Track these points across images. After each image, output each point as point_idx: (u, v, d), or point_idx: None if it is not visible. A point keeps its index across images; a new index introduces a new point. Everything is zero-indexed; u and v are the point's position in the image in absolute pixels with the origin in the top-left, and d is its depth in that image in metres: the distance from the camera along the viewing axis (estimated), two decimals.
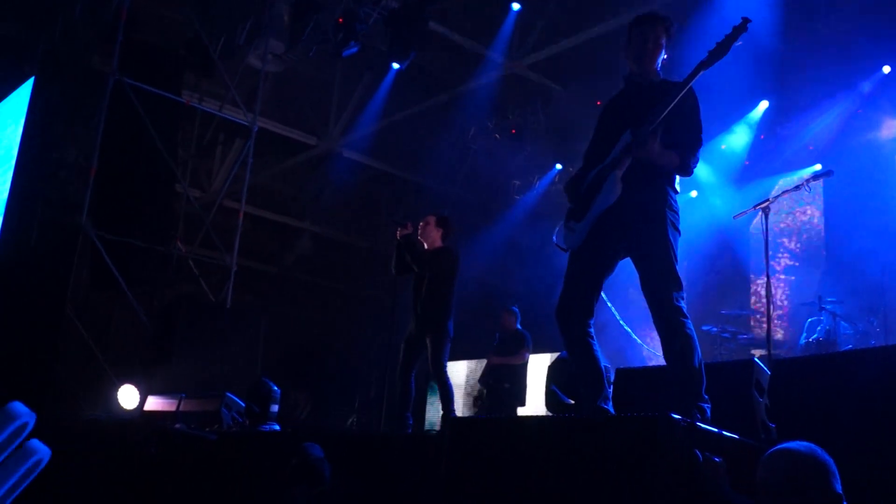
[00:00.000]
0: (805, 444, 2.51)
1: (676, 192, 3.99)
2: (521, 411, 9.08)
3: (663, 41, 4.06)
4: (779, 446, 2.55)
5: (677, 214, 3.92)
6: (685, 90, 3.77)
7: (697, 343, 3.74)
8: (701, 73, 3.76)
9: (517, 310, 9.54)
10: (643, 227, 3.85)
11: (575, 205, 4.12)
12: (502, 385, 9.13)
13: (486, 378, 9.45)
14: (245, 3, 10.36)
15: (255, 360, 9.85)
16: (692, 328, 3.76)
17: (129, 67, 9.56)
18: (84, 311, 9.56)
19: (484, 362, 9.81)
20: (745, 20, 3.73)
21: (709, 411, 3.63)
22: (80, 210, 9.03)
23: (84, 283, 9.98)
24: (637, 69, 4.10)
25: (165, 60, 10.46)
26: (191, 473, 5.82)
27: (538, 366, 9.75)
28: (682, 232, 3.95)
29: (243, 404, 6.86)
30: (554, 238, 4.18)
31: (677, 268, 3.83)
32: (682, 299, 3.79)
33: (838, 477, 2.46)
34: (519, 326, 9.45)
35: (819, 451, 2.49)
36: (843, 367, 3.71)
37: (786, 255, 10.87)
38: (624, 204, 3.86)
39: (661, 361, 3.90)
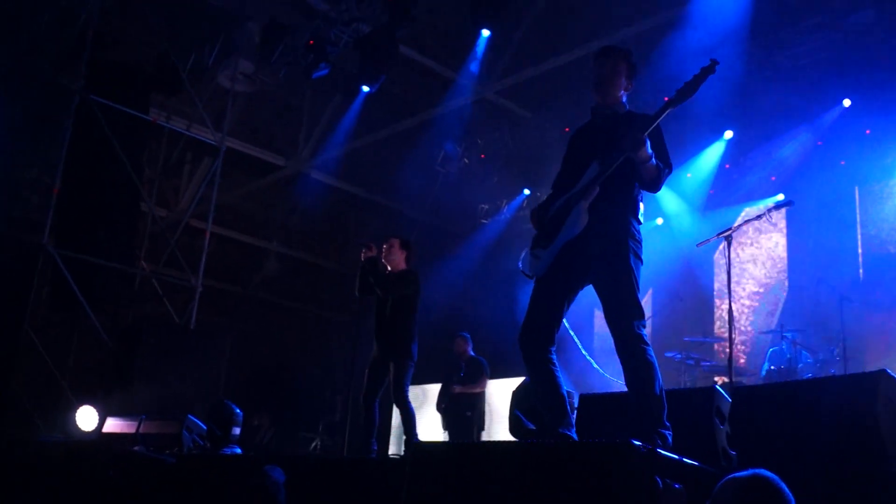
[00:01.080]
0: (760, 472, 2.53)
1: (640, 222, 4.06)
2: (483, 436, 9.13)
3: (623, 72, 4.16)
4: (731, 475, 2.56)
5: (640, 244, 3.99)
6: (659, 118, 3.84)
7: (658, 370, 3.78)
8: (670, 109, 3.84)
9: (468, 336, 9.64)
10: (606, 258, 3.91)
11: (541, 232, 4.16)
12: (464, 413, 9.25)
13: (443, 405, 9.51)
14: (215, 22, 10.33)
15: (217, 381, 9.76)
16: (653, 355, 3.80)
17: (96, 85, 9.47)
18: (44, 330, 9.41)
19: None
20: (714, 62, 3.83)
21: (670, 438, 3.65)
22: (42, 228, 8.90)
23: (45, 302, 9.82)
24: (600, 100, 4.22)
25: (133, 78, 10.39)
26: (150, 497, 5.72)
27: (502, 391, 9.75)
28: (645, 260, 4.01)
29: (205, 427, 6.77)
30: (520, 265, 4.22)
31: (639, 296, 3.88)
32: (644, 327, 3.85)
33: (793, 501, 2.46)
34: (472, 352, 9.59)
35: (773, 479, 2.50)
36: (803, 396, 3.75)
37: (751, 280, 11.01)
38: (588, 234, 3.93)
39: (625, 388, 3.93)
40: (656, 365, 3.79)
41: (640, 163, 3.86)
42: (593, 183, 3.96)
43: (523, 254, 4.23)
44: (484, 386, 9.40)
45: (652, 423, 3.66)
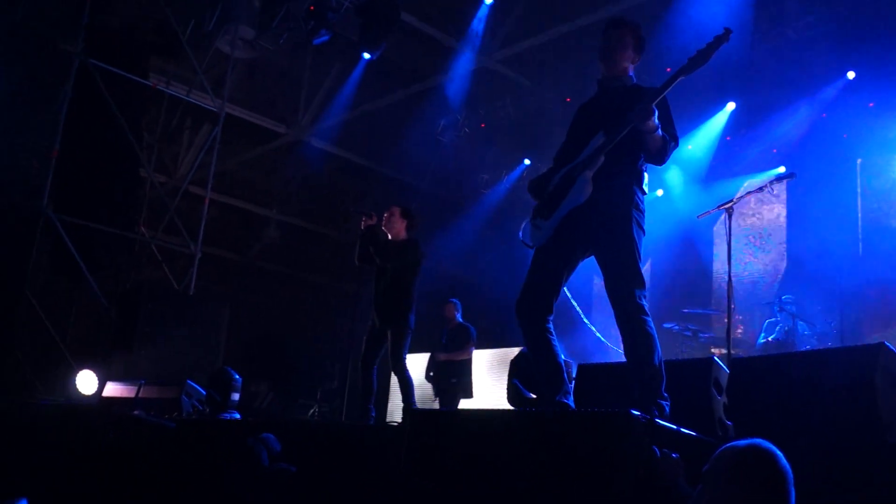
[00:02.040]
0: (758, 441, 2.54)
1: (644, 192, 4.05)
2: (467, 403, 9.09)
3: (630, 44, 4.14)
4: (730, 444, 2.58)
5: (643, 214, 3.99)
6: (669, 88, 3.82)
7: (657, 341, 3.79)
8: (680, 78, 3.82)
9: (458, 302, 9.54)
10: (609, 226, 3.90)
11: (542, 203, 4.15)
12: (449, 381, 9.13)
13: (430, 373, 9.47)
14: None
15: (217, 348, 9.78)
16: (653, 326, 3.81)
17: (96, 49, 9.39)
18: (44, 295, 9.40)
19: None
20: (728, 31, 3.80)
21: (668, 408, 3.67)
22: (41, 194, 8.87)
23: (45, 268, 9.82)
24: (607, 73, 4.22)
25: (132, 43, 10.30)
26: (148, 460, 5.76)
27: (502, 360, 9.79)
28: (646, 231, 4.00)
29: (204, 392, 6.81)
30: (520, 234, 4.22)
31: (640, 266, 3.88)
32: (644, 297, 3.85)
33: (792, 479, 2.48)
34: (460, 318, 9.46)
35: (770, 448, 2.51)
36: (801, 367, 3.77)
37: (751, 251, 11.01)
38: (592, 204, 3.91)
39: (623, 358, 3.95)
40: (656, 336, 3.80)
41: (646, 133, 3.83)
42: (598, 152, 3.95)
43: (524, 224, 4.22)
44: (469, 353, 9.26)
45: (650, 393, 3.68)
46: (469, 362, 9.33)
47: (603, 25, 4.28)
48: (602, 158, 3.94)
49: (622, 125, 3.86)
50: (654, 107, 3.76)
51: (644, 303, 3.84)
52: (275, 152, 13.82)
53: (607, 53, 4.18)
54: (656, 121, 3.81)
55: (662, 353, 3.87)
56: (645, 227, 4.00)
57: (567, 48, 10.18)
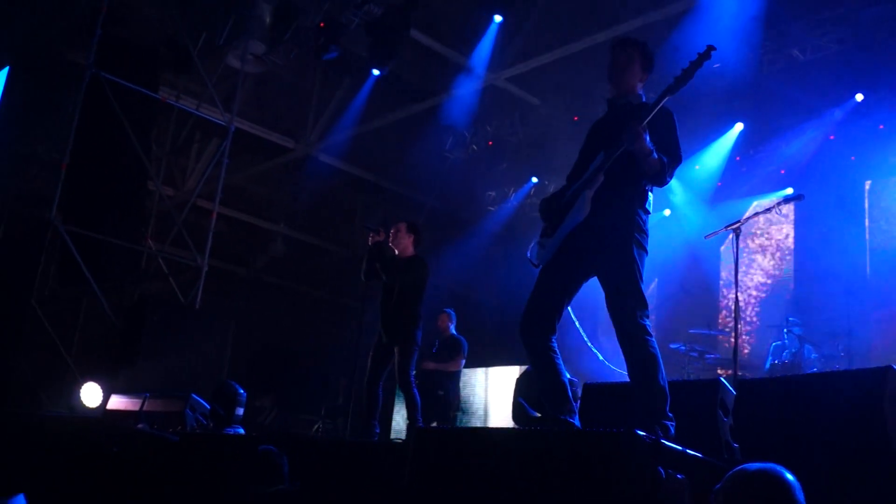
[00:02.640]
0: (768, 465, 2.53)
1: (647, 212, 4.03)
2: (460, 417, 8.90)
3: (638, 62, 4.15)
4: (742, 466, 2.56)
5: (646, 235, 3.97)
6: (657, 108, 3.83)
7: (661, 361, 3.78)
8: (667, 97, 3.84)
9: (453, 312, 9.37)
10: (609, 247, 3.90)
11: (548, 222, 4.16)
12: (436, 392, 8.81)
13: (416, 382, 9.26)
14: (227, 2, 10.30)
15: (221, 362, 9.77)
16: (656, 346, 3.80)
17: (106, 62, 9.45)
18: (50, 306, 9.42)
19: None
20: (710, 48, 3.84)
21: (672, 429, 3.65)
22: (50, 204, 8.91)
23: (52, 279, 9.84)
24: (615, 91, 4.25)
25: (143, 56, 10.36)
26: (152, 474, 5.74)
27: (507, 378, 9.75)
28: (651, 251, 4.00)
29: (208, 406, 6.79)
30: (528, 254, 4.23)
31: (643, 287, 3.87)
32: (647, 318, 3.84)
33: (802, 500, 2.46)
34: (454, 331, 9.27)
35: (780, 471, 2.50)
36: (808, 390, 3.75)
37: (759, 272, 10.98)
38: (591, 223, 3.93)
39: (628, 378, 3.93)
40: (659, 356, 3.78)
41: (638, 156, 3.83)
42: (597, 172, 3.96)
43: (532, 243, 4.24)
44: (458, 366, 9.05)
45: (655, 413, 3.66)
46: (458, 375, 9.15)
47: (610, 44, 4.31)
48: (601, 178, 3.94)
49: (616, 146, 3.87)
50: (643, 129, 3.75)
51: (646, 322, 3.83)
52: (283, 167, 13.86)
53: (615, 72, 4.20)
54: (649, 144, 3.79)
55: (668, 373, 3.85)
56: (648, 248, 3.98)
57: (575, 67, 10.21)
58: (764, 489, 2.45)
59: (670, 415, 3.70)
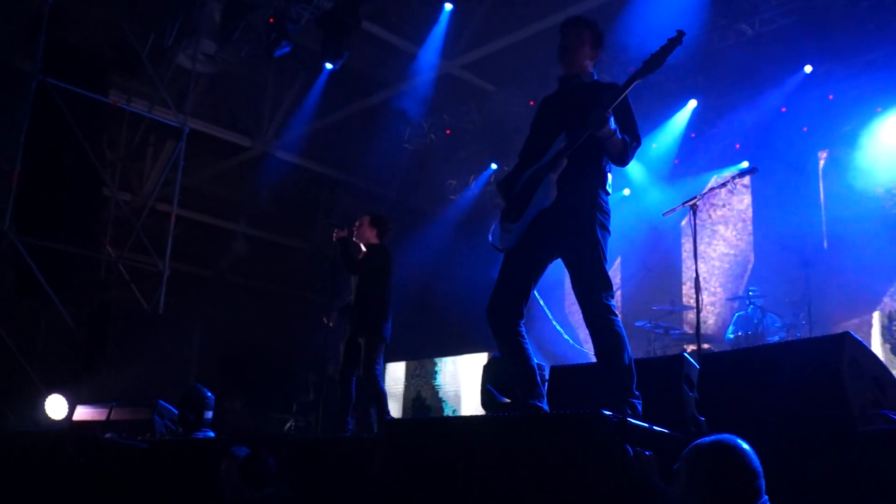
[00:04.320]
0: (724, 437, 2.59)
1: (608, 192, 4.07)
2: None
3: (587, 41, 4.17)
4: (697, 441, 2.62)
5: (607, 215, 4.00)
6: (624, 93, 3.84)
7: (626, 340, 3.82)
8: (637, 81, 3.85)
9: None
10: (573, 229, 3.92)
11: (510, 205, 4.16)
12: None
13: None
14: (174, 2, 10.15)
15: (188, 366, 9.69)
16: (621, 326, 3.84)
17: (53, 68, 9.29)
18: (9, 318, 9.26)
19: (419, 363, 9.72)
20: (680, 33, 3.84)
21: (640, 407, 3.69)
22: (3, 215, 8.75)
23: (9, 290, 9.67)
24: (566, 70, 4.24)
25: (91, 60, 10.20)
26: (122, 483, 5.68)
27: (476, 365, 9.80)
28: (613, 230, 4.03)
29: (176, 412, 6.73)
30: (490, 238, 4.23)
31: (606, 267, 3.91)
32: (611, 297, 3.88)
33: (760, 472, 2.52)
34: None
35: (733, 441, 2.56)
36: (768, 360, 3.79)
37: (722, 242, 11.10)
38: (557, 207, 3.93)
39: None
40: (625, 335, 3.82)
41: (604, 139, 3.86)
42: (560, 155, 3.97)
43: (493, 227, 4.23)
44: None
45: (622, 392, 3.70)
46: None
47: (560, 25, 4.32)
48: (565, 161, 3.96)
49: (580, 131, 3.88)
50: (609, 113, 3.78)
51: (611, 302, 3.86)
52: (240, 166, 13.73)
53: (565, 52, 4.21)
54: (612, 125, 3.83)
55: (634, 351, 3.89)
56: (611, 228, 4.02)
57: (529, 52, 10.22)
58: (719, 459, 2.52)
59: (637, 393, 3.74)
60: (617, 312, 3.89)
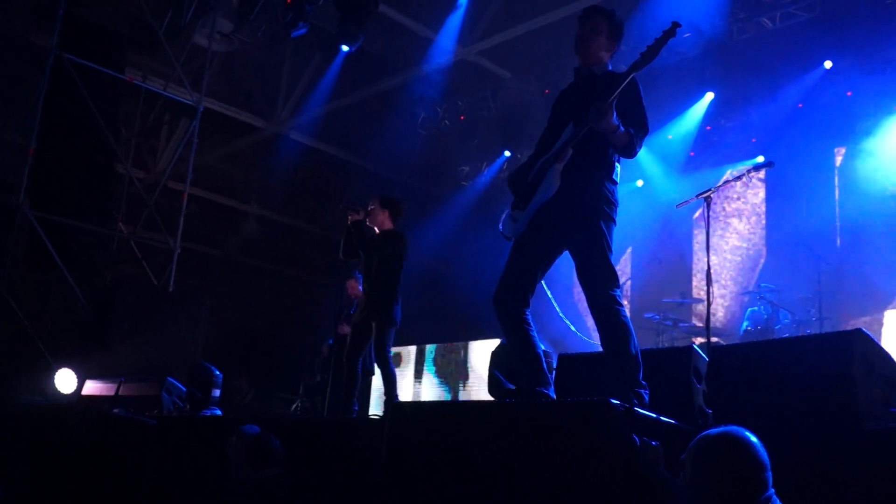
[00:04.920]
0: (731, 428, 2.58)
1: (615, 183, 4.05)
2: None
3: (603, 32, 4.15)
4: (704, 432, 2.62)
5: (614, 206, 3.99)
6: (627, 81, 3.82)
7: (632, 330, 3.81)
8: (634, 73, 3.83)
9: (359, 274, 8.67)
10: (578, 220, 3.92)
11: (519, 194, 4.16)
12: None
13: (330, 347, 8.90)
14: None
15: (196, 344, 9.72)
16: (627, 316, 3.83)
17: (70, 43, 9.29)
18: (20, 292, 9.31)
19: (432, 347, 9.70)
20: (675, 24, 3.82)
21: (646, 396, 3.69)
22: (18, 190, 8.78)
23: (21, 264, 9.72)
24: (582, 61, 4.22)
25: (108, 37, 10.20)
26: (130, 459, 5.72)
27: (485, 351, 9.80)
28: (624, 221, 4.04)
29: (184, 389, 6.76)
30: (500, 227, 4.23)
31: (611, 258, 3.90)
32: (618, 288, 3.88)
33: (767, 465, 2.51)
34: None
35: (741, 432, 2.55)
36: (778, 355, 3.78)
37: (735, 235, 11.05)
38: (561, 196, 3.94)
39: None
40: (630, 325, 3.82)
41: (605, 132, 3.84)
42: (566, 145, 3.96)
43: (504, 215, 4.23)
44: None
45: (628, 382, 3.69)
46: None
47: (578, 15, 4.29)
48: (570, 151, 3.94)
49: (583, 123, 3.87)
50: (609, 107, 3.75)
51: (617, 293, 3.86)
52: (254, 146, 13.74)
53: (581, 42, 4.17)
54: (615, 120, 3.79)
55: (643, 342, 3.88)
56: (617, 218, 4.00)
57: (546, 40, 10.17)
58: (726, 451, 2.51)
59: (643, 383, 3.73)
60: (623, 303, 3.88)
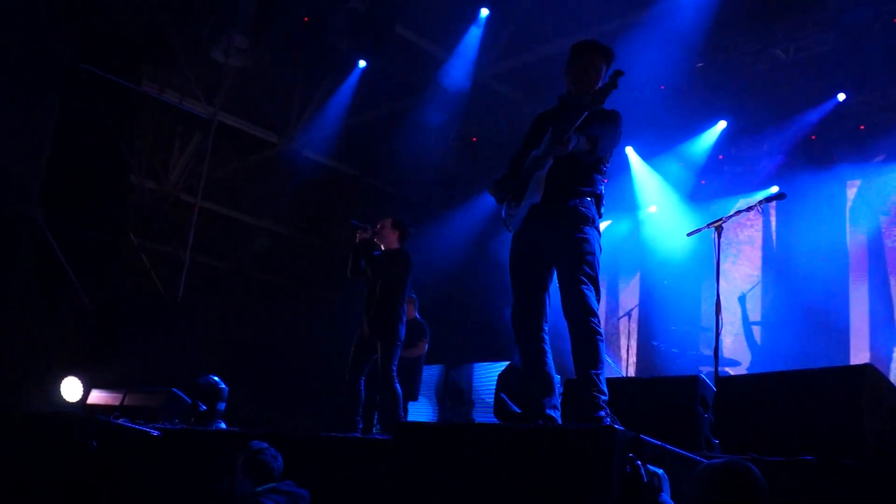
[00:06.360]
0: (734, 459, 2.59)
1: (599, 194, 4.10)
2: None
3: (601, 69, 4.21)
4: (707, 462, 2.63)
5: (591, 219, 4.05)
6: (575, 125, 3.83)
7: (604, 359, 3.84)
8: (584, 116, 3.85)
9: (416, 296, 8.88)
10: (561, 235, 3.96)
11: (511, 192, 4.28)
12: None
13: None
14: None
15: (203, 356, 9.73)
16: (602, 343, 3.86)
17: (88, 54, 9.38)
18: (29, 300, 9.34)
19: (439, 367, 9.63)
20: (618, 72, 3.78)
21: (608, 420, 3.70)
22: (30, 198, 8.83)
23: (30, 273, 9.76)
24: (575, 91, 4.26)
25: (125, 49, 10.28)
26: (134, 469, 5.72)
27: (492, 374, 9.76)
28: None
29: (189, 401, 6.76)
30: (503, 213, 4.36)
31: (591, 282, 3.94)
32: (595, 317, 3.90)
33: (768, 496, 2.51)
34: (418, 315, 8.81)
35: (745, 466, 2.55)
36: (787, 387, 3.77)
37: (747, 263, 11.00)
38: (545, 208, 4.03)
39: (613, 373, 3.96)
40: (603, 354, 3.85)
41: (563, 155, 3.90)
42: (545, 156, 4.05)
43: (502, 208, 4.37)
44: (421, 350, 8.63)
45: (595, 392, 3.72)
46: (420, 361, 8.75)
47: (572, 47, 4.36)
48: (551, 159, 4.02)
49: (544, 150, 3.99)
50: (567, 140, 3.79)
51: (593, 321, 3.87)
52: (266, 161, 13.79)
53: (579, 76, 4.24)
54: (573, 149, 3.83)
55: (650, 371, 3.88)
56: (600, 228, 4.10)
57: (559, 65, 10.19)
58: (729, 481, 2.52)
59: (607, 409, 3.75)
60: (600, 330, 3.90)
